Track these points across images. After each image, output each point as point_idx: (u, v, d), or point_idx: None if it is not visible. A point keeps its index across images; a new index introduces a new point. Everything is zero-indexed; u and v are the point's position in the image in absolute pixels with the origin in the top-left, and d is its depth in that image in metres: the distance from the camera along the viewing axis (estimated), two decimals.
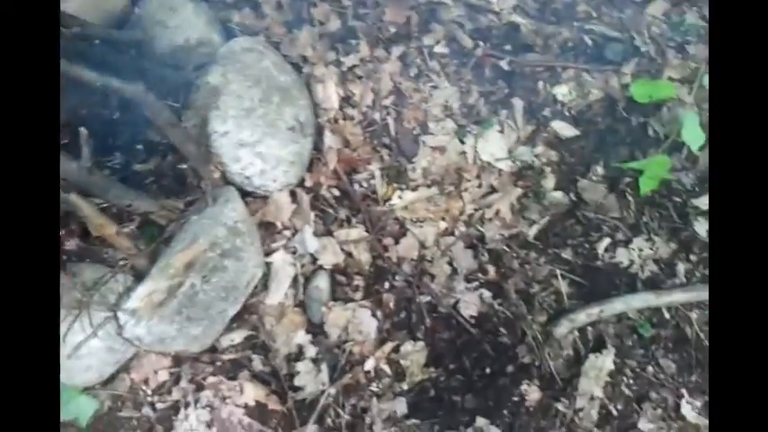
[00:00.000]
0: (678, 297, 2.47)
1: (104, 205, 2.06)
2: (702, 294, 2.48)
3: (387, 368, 2.29)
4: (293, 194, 2.36)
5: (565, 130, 2.70)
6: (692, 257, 2.57)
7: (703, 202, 2.63)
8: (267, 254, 2.30)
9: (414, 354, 2.31)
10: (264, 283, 2.30)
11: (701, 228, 2.61)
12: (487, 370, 2.34)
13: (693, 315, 2.48)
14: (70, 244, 2.05)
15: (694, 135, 2.34)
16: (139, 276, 2.02)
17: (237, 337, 2.25)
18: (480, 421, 2.24)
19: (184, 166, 2.22)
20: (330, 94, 2.49)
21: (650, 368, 2.41)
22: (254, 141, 2.23)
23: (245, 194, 2.29)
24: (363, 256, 2.39)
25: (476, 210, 2.53)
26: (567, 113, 2.73)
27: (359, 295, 2.36)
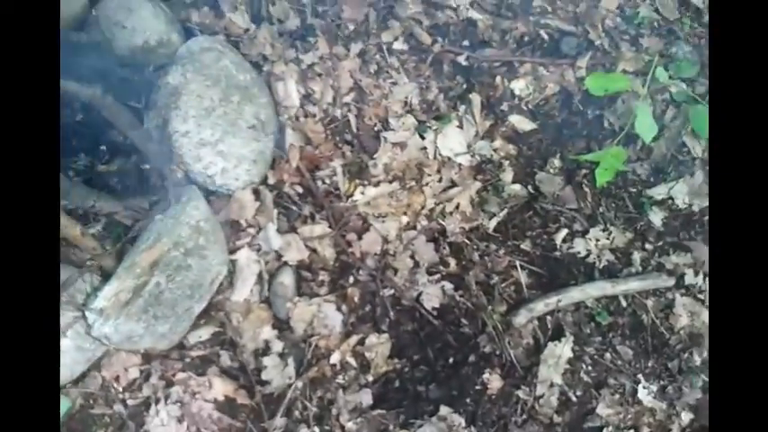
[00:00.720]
0: (634, 285, 2.54)
1: (70, 207, 2.08)
2: (658, 282, 2.55)
3: (352, 361, 2.33)
4: (256, 192, 2.38)
5: (522, 123, 2.74)
6: (648, 246, 2.64)
7: (657, 192, 2.70)
8: (232, 251, 2.32)
9: (378, 346, 2.35)
10: (230, 281, 2.32)
11: (656, 217, 2.68)
12: (450, 360, 2.39)
13: (649, 302, 2.55)
14: None
15: (646, 127, 2.38)
16: (107, 276, 2.04)
17: (205, 333, 2.27)
18: (444, 410, 2.29)
19: (147, 167, 2.24)
20: (290, 92, 2.51)
21: (608, 355, 2.48)
22: (215, 140, 2.25)
23: (208, 193, 2.31)
24: (327, 251, 2.42)
25: (437, 204, 2.56)
26: (524, 107, 2.78)
27: (324, 290, 2.39)
